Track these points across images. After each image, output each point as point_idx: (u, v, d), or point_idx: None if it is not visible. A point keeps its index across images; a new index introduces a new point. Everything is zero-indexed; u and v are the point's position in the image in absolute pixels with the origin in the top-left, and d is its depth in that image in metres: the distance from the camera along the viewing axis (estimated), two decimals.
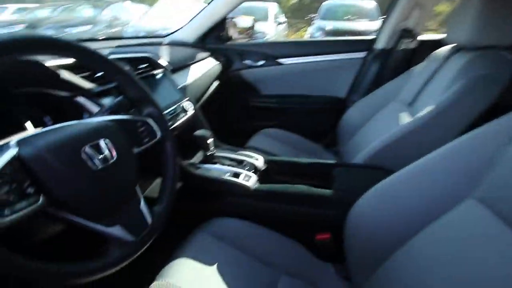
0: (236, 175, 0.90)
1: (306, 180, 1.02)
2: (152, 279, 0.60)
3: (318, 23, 6.34)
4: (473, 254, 0.44)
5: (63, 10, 7.52)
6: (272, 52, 1.61)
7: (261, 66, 1.63)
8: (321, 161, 1.02)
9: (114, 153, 0.48)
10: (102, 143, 0.47)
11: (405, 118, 1.02)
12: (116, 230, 0.47)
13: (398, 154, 0.94)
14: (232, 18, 1.71)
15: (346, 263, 0.66)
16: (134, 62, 0.93)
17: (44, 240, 0.50)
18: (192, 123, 1.04)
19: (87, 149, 0.44)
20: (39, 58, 0.58)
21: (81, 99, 0.69)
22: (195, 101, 1.19)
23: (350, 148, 1.26)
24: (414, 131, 0.92)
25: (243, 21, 1.96)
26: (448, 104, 0.86)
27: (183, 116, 0.96)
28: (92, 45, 0.96)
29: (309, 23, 7.90)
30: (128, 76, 0.57)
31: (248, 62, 1.63)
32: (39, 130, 0.45)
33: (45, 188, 0.39)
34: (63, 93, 0.67)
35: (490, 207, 0.46)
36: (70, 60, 0.65)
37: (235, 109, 1.74)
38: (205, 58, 1.43)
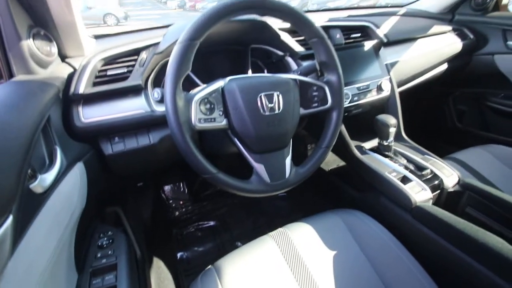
0: (405, 180, 0.73)
1: None
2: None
3: None
4: None
5: None
6: None
7: None
8: None
9: (281, 107, 0.56)
10: (275, 95, 0.55)
11: None
12: (260, 168, 0.56)
13: None
14: None
15: None
16: (349, 30, 0.93)
17: (227, 155, 0.70)
18: (382, 106, 0.92)
19: (263, 96, 0.54)
20: (269, 21, 0.72)
21: (289, 59, 0.82)
22: (401, 82, 1.02)
23: None
24: None
25: None
26: None
27: (376, 95, 0.87)
28: (331, 14, 1.06)
29: None
30: (322, 40, 0.59)
31: None
32: (246, 75, 0.60)
33: (228, 114, 0.54)
34: (279, 52, 0.82)
35: None
36: (288, 25, 0.76)
37: (458, 106, 1.30)
38: (441, 33, 1.13)
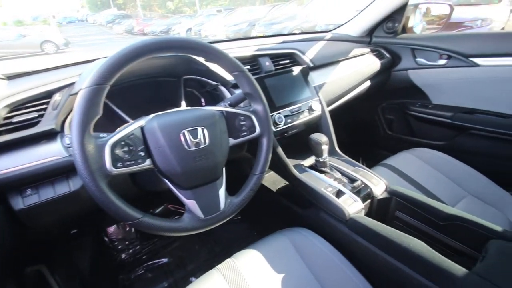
0: (340, 194, 0.78)
1: (449, 237, 0.72)
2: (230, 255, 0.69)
3: None
4: None
5: (273, 8, 9.14)
6: (463, 48, 1.16)
7: (441, 66, 1.23)
8: (474, 218, 0.66)
9: (208, 140, 0.56)
10: (199, 130, 0.55)
11: None
12: (192, 204, 0.55)
13: None
14: (417, 4, 1.38)
15: None
16: (278, 57, 0.99)
17: (155, 193, 0.67)
18: (316, 124, 0.99)
19: (186, 132, 0.54)
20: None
21: (222, 88, 0.84)
22: (330, 101, 1.11)
23: None
24: None
25: (436, 8, 1.55)
26: None
27: (308, 116, 0.93)
28: (261, 41, 1.12)
29: None
30: (242, 73, 0.62)
31: (421, 60, 1.28)
32: (170, 111, 0.60)
33: (150, 153, 0.52)
34: (212, 82, 0.83)
35: None
36: None
37: (386, 116, 1.46)
38: (362, 54, 1.27)
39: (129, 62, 0.48)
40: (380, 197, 0.80)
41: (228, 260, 0.68)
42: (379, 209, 0.80)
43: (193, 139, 0.54)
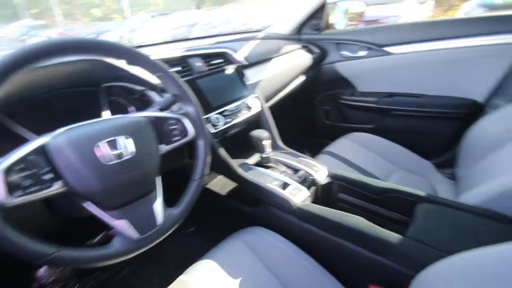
0: (286, 186, 0.79)
1: (385, 208, 0.79)
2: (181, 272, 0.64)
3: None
4: None
5: (210, 12, 9.13)
6: (378, 39, 1.30)
7: (362, 57, 1.36)
8: (405, 189, 0.74)
9: (132, 149, 0.50)
10: (120, 140, 0.49)
11: None
12: (122, 225, 0.49)
13: None
14: (335, 2, 1.51)
15: None
16: (209, 57, 0.96)
17: (76, 221, 0.58)
18: (257, 121, 0.99)
19: (101, 145, 0.47)
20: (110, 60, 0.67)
21: (151, 92, 0.78)
22: (268, 97, 1.13)
23: (473, 176, 0.86)
24: None
25: (353, 5, 1.71)
26: None
27: (247, 113, 0.93)
28: (193, 43, 1.08)
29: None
30: (166, 74, 0.58)
31: (345, 53, 1.40)
32: (83, 123, 0.53)
33: (60, 174, 0.44)
34: (138, 87, 0.77)
35: None
36: None
37: (323, 107, 1.55)
38: (293, 50, 1.33)
39: (10, 72, 0.40)
40: (323, 182, 0.83)
41: (180, 278, 0.63)
42: (324, 194, 0.84)
43: (112, 151, 0.48)
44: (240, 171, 0.84)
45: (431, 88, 1.24)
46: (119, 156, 0.48)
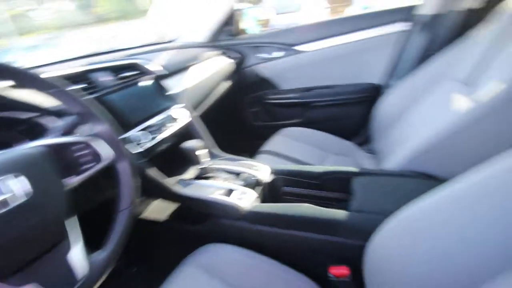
0: (231, 192, 0.75)
1: (328, 192, 0.83)
2: None
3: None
4: None
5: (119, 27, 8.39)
6: (288, 40, 1.41)
7: (279, 58, 1.44)
8: (338, 168, 0.80)
9: (26, 191, 0.38)
10: (10, 180, 0.37)
11: (462, 103, 0.73)
12: None
13: (451, 155, 0.68)
14: (241, 9, 1.56)
15: None
16: (118, 70, 0.85)
17: None
18: (187, 133, 0.92)
19: None
20: None
21: (44, 119, 0.63)
22: (196, 105, 1.08)
23: (387, 146, 1.00)
24: (474, 123, 0.64)
25: (260, 13, 1.81)
26: None
27: (173, 126, 0.85)
28: (100, 58, 0.94)
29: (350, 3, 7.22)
30: (59, 90, 0.48)
31: (262, 55, 1.46)
32: None
33: None
34: (27, 114, 0.61)
35: None
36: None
37: (252, 109, 1.58)
38: (212, 57, 1.31)
39: None
40: (268, 180, 0.83)
41: None
42: (270, 191, 0.83)
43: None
44: (177, 189, 0.76)
45: (340, 78, 1.40)
46: (5, 203, 0.36)
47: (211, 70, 1.24)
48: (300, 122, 1.47)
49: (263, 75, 1.49)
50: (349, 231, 0.59)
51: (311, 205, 0.66)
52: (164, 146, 0.82)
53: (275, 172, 0.85)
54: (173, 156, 0.84)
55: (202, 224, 0.78)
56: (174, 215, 0.85)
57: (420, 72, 1.00)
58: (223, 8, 1.38)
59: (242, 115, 1.60)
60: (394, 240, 0.44)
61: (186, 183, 0.80)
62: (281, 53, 1.45)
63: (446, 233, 0.35)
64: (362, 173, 0.76)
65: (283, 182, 0.85)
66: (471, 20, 1.00)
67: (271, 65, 1.46)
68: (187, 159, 0.82)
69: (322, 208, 0.64)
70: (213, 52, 1.35)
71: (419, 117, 0.90)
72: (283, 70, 1.46)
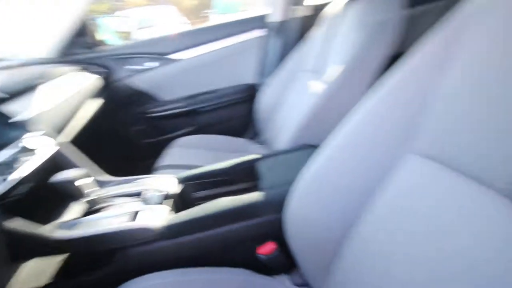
0: (136, 215, 0.65)
1: (236, 185, 0.85)
2: None
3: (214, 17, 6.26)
4: (433, 220, 0.33)
5: None
6: (160, 49, 1.36)
7: (153, 68, 1.37)
8: (240, 160, 0.85)
9: None
10: None
11: (316, 87, 0.93)
12: None
13: (321, 126, 0.84)
14: (94, 19, 1.39)
15: (299, 269, 0.55)
16: None
17: None
18: (56, 164, 0.73)
19: None
20: None
21: None
22: (60, 129, 0.87)
23: (274, 133, 1.14)
24: (327, 98, 0.83)
25: (120, 24, 1.66)
26: (351, 59, 0.79)
27: (32, 159, 0.65)
28: None
29: (206, 20, 7.80)
30: None
31: (133, 67, 1.34)
32: None
33: None
34: None
35: (435, 159, 0.35)
36: None
37: (135, 127, 1.43)
38: (68, 73, 1.10)
39: None
40: (176, 191, 0.77)
41: None
42: (182, 201, 0.78)
43: None
44: (60, 234, 0.59)
45: (219, 82, 1.47)
46: None
47: (72, 88, 1.03)
48: (192, 131, 1.45)
49: (140, 88, 1.37)
50: (266, 208, 0.63)
51: (224, 197, 0.67)
52: (25, 187, 0.62)
53: (182, 180, 0.80)
54: (43, 197, 0.65)
55: (108, 266, 0.64)
56: (62, 271, 0.66)
57: (282, 68, 1.20)
58: (70, 18, 1.18)
59: (127, 133, 1.42)
60: (303, 202, 0.52)
61: (70, 224, 0.63)
62: (155, 63, 1.38)
63: (335, 179, 0.46)
64: (262, 157, 0.83)
65: (193, 188, 0.82)
66: (308, 24, 1.28)
67: (146, 77, 1.37)
68: (64, 196, 0.65)
69: (235, 197, 0.66)
70: (68, 68, 1.13)
71: (291, 103, 1.07)
72: (161, 80, 1.40)
